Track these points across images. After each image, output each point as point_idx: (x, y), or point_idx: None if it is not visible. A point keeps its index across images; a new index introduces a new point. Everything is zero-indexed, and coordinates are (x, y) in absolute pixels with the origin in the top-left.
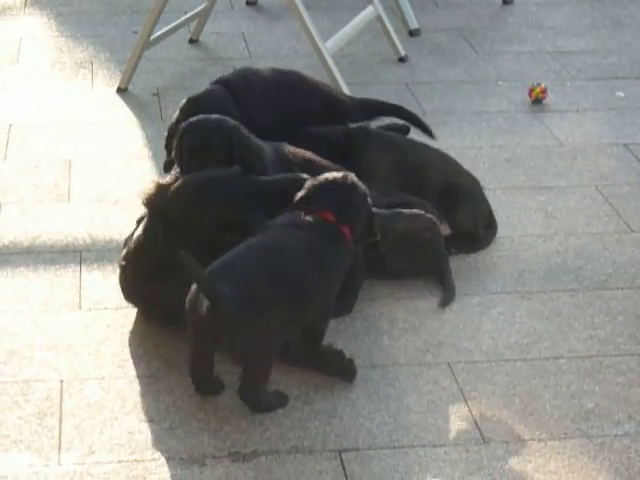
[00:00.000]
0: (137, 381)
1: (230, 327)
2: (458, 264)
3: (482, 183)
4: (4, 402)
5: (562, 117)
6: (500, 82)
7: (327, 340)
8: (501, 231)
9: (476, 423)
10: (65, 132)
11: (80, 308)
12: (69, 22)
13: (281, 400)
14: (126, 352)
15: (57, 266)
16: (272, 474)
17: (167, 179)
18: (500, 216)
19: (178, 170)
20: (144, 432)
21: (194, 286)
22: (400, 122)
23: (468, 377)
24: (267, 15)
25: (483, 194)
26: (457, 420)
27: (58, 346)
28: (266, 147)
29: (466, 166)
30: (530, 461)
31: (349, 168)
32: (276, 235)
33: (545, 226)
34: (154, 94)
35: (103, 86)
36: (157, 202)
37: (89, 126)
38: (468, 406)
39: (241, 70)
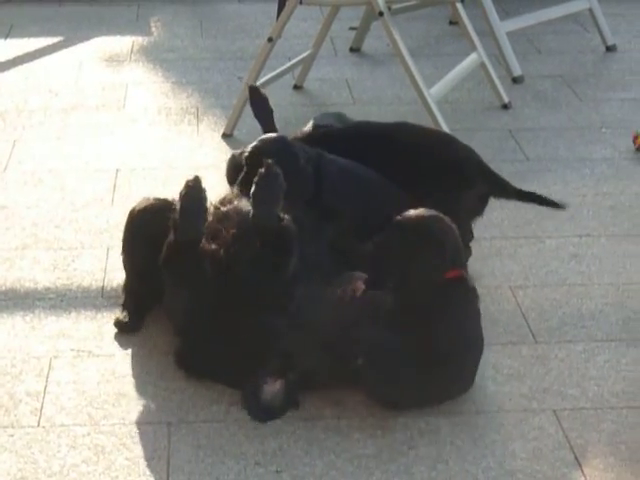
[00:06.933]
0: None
1: None
2: (563, 311)
3: (586, 230)
4: (113, 444)
5: None
6: (604, 129)
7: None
8: (606, 278)
9: (582, 470)
10: (171, 177)
11: None
12: (174, 68)
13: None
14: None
15: None
16: None
17: None
18: (605, 263)
19: None
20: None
21: None
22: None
23: (574, 424)
24: (370, 61)
25: None
26: (562, 467)
27: (167, 388)
28: None
29: (570, 214)
30: None
31: None
32: None
33: None
34: None
35: (208, 131)
36: None
37: (195, 171)
38: (574, 453)
39: None
